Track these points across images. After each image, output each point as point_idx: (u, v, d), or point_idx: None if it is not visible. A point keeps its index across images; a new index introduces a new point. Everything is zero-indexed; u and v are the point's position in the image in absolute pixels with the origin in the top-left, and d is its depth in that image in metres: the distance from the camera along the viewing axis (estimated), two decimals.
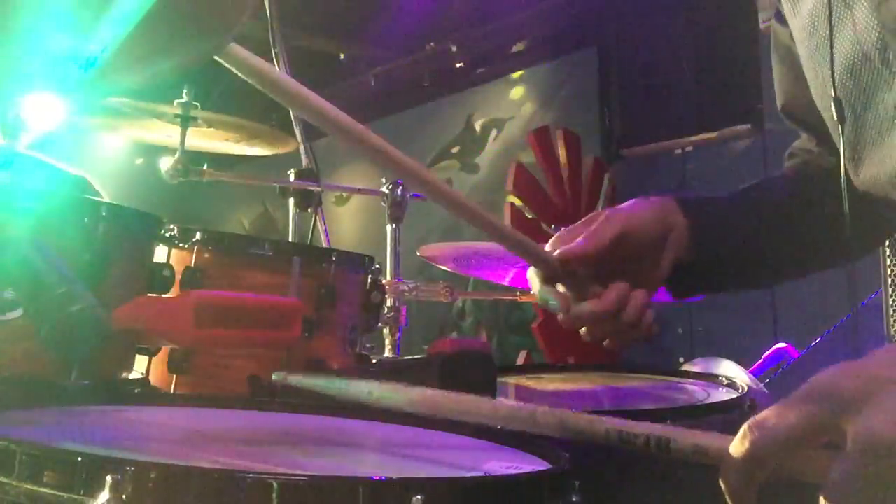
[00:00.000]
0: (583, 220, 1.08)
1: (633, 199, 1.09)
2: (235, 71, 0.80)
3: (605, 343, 1.05)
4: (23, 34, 0.71)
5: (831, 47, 1.01)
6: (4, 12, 0.71)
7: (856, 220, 1.09)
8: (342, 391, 0.87)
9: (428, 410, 0.82)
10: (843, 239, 1.13)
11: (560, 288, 1.04)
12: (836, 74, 1.01)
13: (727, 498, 0.63)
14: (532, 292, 1.07)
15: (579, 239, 1.03)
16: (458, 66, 5.73)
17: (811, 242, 1.19)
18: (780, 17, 1.19)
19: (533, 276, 1.07)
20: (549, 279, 1.05)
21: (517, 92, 5.69)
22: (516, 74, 5.67)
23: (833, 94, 1.02)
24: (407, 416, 0.99)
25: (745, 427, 0.62)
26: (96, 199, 1.25)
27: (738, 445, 0.61)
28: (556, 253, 1.03)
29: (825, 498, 0.59)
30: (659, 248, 1.07)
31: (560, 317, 1.03)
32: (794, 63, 1.16)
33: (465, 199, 0.99)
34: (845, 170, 1.04)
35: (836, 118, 1.02)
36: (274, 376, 0.99)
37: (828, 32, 1.01)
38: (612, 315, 1.00)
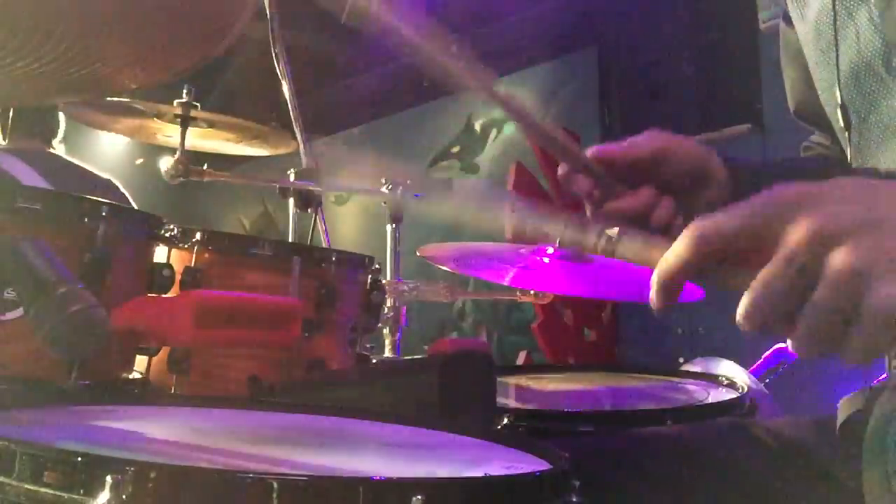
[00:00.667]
0: None
1: None
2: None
3: None
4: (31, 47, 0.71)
5: (836, 54, 1.01)
6: (14, 26, 0.71)
7: None
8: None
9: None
10: None
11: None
12: (841, 81, 1.01)
13: (655, 280, 0.66)
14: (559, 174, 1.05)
15: (620, 143, 1.03)
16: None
17: None
18: (788, 20, 1.18)
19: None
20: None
21: (517, 92, 5.69)
22: (516, 75, 5.66)
23: (839, 102, 1.02)
24: (407, 415, 1.00)
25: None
26: (98, 199, 1.24)
27: (683, 234, 0.66)
28: (592, 150, 1.03)
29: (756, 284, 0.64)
30: (696, 186, 1.06)
31: (587, 211, 1.03)
32: (803, 65, 1.15)
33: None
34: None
35: (842, 124, 1.02)
36: None
37: (832, 39, 1.01)
38: (640, 216, 1.00)
